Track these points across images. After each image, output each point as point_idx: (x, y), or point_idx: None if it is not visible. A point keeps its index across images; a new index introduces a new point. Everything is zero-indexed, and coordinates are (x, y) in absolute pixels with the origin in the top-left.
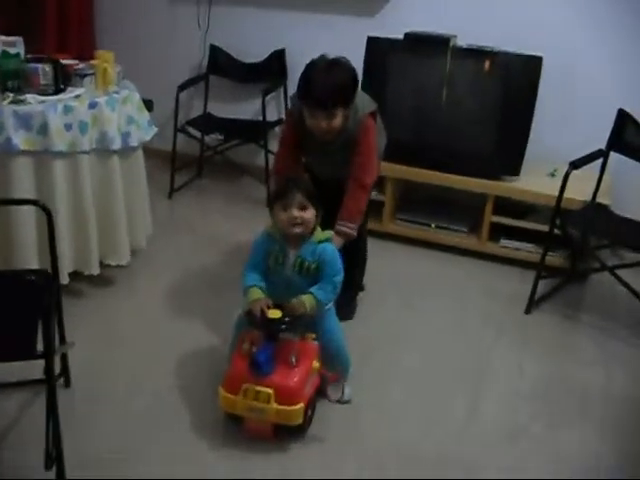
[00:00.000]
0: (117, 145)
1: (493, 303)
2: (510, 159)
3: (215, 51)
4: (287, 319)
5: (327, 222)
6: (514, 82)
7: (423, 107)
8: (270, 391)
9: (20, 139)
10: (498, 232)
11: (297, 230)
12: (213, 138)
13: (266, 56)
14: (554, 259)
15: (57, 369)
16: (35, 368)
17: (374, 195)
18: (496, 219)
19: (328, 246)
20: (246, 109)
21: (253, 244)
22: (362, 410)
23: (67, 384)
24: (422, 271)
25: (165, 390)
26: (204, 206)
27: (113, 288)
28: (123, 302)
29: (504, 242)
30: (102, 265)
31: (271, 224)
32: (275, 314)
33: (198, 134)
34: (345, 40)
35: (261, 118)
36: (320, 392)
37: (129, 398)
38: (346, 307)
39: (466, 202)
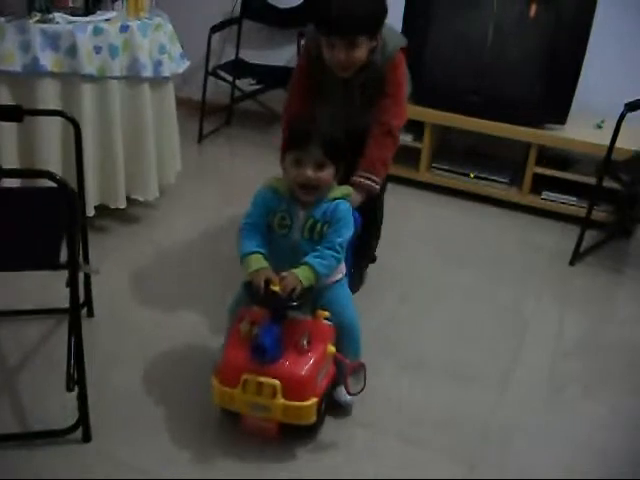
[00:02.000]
0: (148, 72)
1: (534, 257)
2: (556, 106)
3: None
4: (299, 292)
5: (344, 179)
6: (565, 22)
7: (466, 49)
8: (276, 383)
9: (48, 60)
10: (540, 184)
11: (308, 197)
12: (244, 82)
13: (301, 1)
14: (598, 213)
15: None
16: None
17: (410, 141)
18: (539, 170)
19: (342, 203)
20: (279, 56)
21: (253, 198)
22: (394, 365)
23: (90, 314)
24: (459, 223)
25: (182, 335)
26: (233, 152)
27: (139, 225)
28: (148, 240)
29: (546, 194)
30: (129, 200)
31: (275, 177)
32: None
33: (229, 79)
34: None
35: (294, 65)
36: (334, 383)
37: (149, 336)
38: (350, 278)
39: (508, 152)
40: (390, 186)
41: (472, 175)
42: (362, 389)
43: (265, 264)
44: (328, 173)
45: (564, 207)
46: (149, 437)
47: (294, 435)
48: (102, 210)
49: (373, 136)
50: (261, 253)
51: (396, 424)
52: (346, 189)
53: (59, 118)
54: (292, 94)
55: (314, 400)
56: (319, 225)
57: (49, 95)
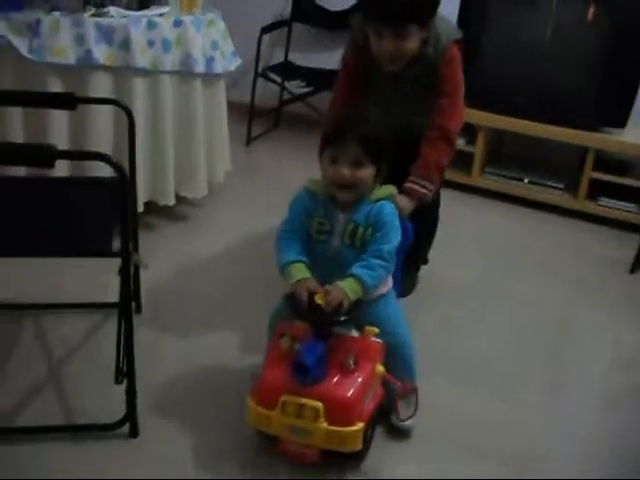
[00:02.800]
0: (200, 68)
1: (590, 265)
2: (616, 109)
3: None
4: (346, 307)
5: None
6: (626, 24)
7: (523, 51)
8: (319, 405)
9: (101, 53)
10: (597, 190)
11: (344, 196)
12: (293, 85)
13: (353, 3)
14: None
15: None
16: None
17: (462, 145)
18: (596, 175)
19: (387, 205)
20: (329, 58)
21: (290, 204)
22: (445, 374)
23: (138, 309)
24: (512, 229)
25: (224, 344)
26: (281, 155)
27: (186, 224)
28: (196, 238)
29: (604, 201)
30: (177, 198)
31: (312, 179)
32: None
33: (278, 80)
34: None
35: None
36: (382, 406)
37: (193, 339)
38: (402, 283)
39: (563, 156)
40: (442, 190)
41: (526, 180)
42: (413, 414)
43: (308, 274)
44: (367, 172)
45: (622, 214)
46: (186, 448)
47: (337, 462)
48: (150, 207)
49: (428, 140)
50: (303, 262)
51: (449, 437)
52: (389, 189)
53: (111, 110)
54: (337, 91)
55: (360, 425)
56: (361, 230)
57: (102, 88)
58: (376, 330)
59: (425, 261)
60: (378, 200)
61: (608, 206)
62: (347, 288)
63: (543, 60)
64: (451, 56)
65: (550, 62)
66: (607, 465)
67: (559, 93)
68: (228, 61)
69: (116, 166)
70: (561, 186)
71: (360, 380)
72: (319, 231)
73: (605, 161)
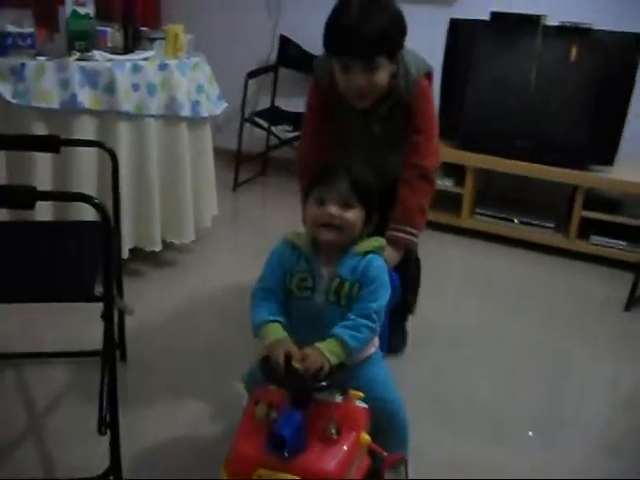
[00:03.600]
0: (186, 112)
1: (585, 304)
2: (603, 147)
3: (285, 42)
4: (327, 372)
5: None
6: (610, 63)
7: (509, 92)
8: None
9: (86, 96)
10: (588, 228)
11: (329, 236)
12: (280, 130)
13: None
14: None
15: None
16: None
17: (451, 187)
18: (587, 214)
19: (375, 259)
20: None
21: (267, 260)
22: (441, 419)
23: (123, 357)
24: (504, 270)
25: (216, 384)
26: (268, 201)
27: (172, 270)
28: (181, 286)
29: (595, 239)
30: (164, 243)
31: (295, 232)
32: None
33: (265, 125)
34: (424, 30)
35: None
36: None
37: (180, 389)
38: (393, 336)
39: (553, 195)
40: (431, 233)
41: (516, 220)
42: None
43: (284, 334)
44: (356, 215)
45: (613, 252)
46: None
47: None
48: (136, 253)
49: (406, 181)
50: (279, 322)
51: None
52: (377, 241)
53: (95, 154)
54: (304, 137)
55: None
56: (347, 285)
57: (86, 132)
58: (361, 394)
59: (412, 311)
60: (366, 253)
61: (599, 244)
62: (327, 351)
63: (530, 101)
64: (422, 90)
65: (537, 103)
66: None
67: (547, 133)
68: (214, 105)
69: (98, 207)
70: (552, 225)
71: (343, 451)
72: (300, 287)
73: (595, 199)
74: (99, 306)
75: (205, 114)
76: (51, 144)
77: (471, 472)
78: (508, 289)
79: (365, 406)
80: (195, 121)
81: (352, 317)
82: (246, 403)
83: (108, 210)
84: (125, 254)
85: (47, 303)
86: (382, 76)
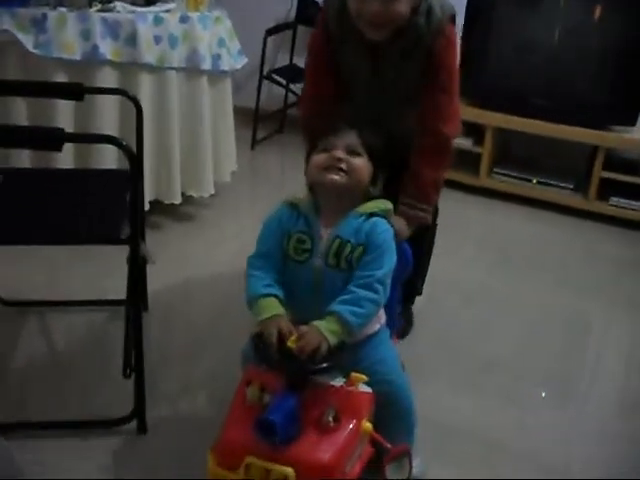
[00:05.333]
0: (207, 65)
1: (602, 265)
2: (626, 107)
3: (304, 0)
4: (324, 353)
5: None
6: (634, 22)
7: (531, 50)
8: (289, 471)
9: (107, 48)
10: (607, 189)
11: (335, 178)
12: (298, 87)
13: None
14: None
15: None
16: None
17: (470, 146)
18: (607, 174)
19: (381, 223)
20: None
21: (263, 225)
22: (456, 374)
23: (145, 308)
24: (521, 230)
25: (234, 334)
26: (286, 159)
27: (192, 223)
28: (202, 239)
29: (614, 200)
30: (183, 197)
31: (295, 195)
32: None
33: (283, 82)
34: None
35: None
36: (371, 467)
37: (200, 338)
38: (397, 323)
39: (573, 156)
40: (449, 192)
41: (535, 181)
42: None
43: (280, 310)
44: (363, 162)
45: (632, 213)
46: (196, 445)
47: None
48: (155, 206)
49: (423, 150)
50: (275, 295)
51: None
52: (384, 203)
53: (117, 104)
54: (307, 79)
55: None
56: (348, 247)
57: (107, 84)
58: (364, 377)
59: (419, 292)
60: (371, 215)
61: (618, 205)
62: (326, 330)
63: (552, 59)
64: (448, 36)
65: (559, 61)
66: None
67: (568, 92)
68: (234, 59)
69: (126, 148)
70: (571, 186)
71: (340, 440)
72: (297, 250)
73: (615, 160)
74: (120, 256)
75: (226, 68)
76: (75, 91)
77: (484, 434)
78: (525, 249)
79: (369, 390)
80: (216, 75)
81: (352, 289)
82: (238, 383)
83: (134, 151)
84: (146, 206)
85: (69, 252)
86: (403, 6)
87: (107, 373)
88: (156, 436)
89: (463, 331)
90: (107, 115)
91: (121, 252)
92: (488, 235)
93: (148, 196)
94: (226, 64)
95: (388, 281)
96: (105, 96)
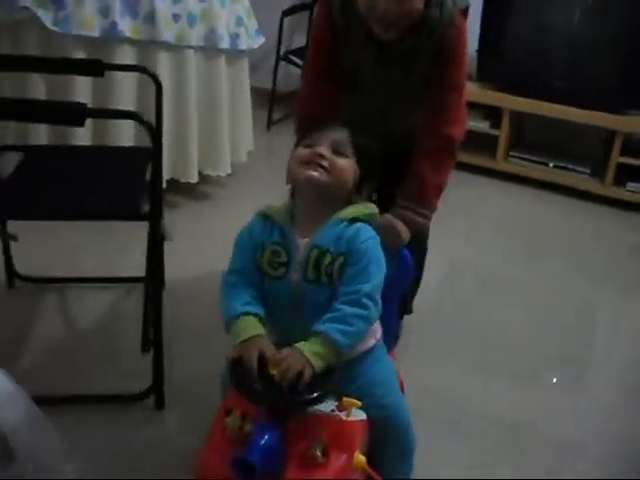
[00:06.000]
0: (225, 44)
1: (617, 251)
2: None
3: None
4: (307, 380)
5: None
6: None
7: (551, 32)
8: None
9: (126, 25)
10: (624, 175)
11: (313, 174)
12: None
13: None
14: None
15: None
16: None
17: (486, 129)
18: (624, 160)
19: (365, 229)
20: None
21: (236, 240)
22: (466, 355)
23: (162, 285)
24: (537, 214)
25: None
26: None
27: (208, 202)
28: (217, 218)
29: (631, 186)
30: (200, 176)
31: (269, 205)
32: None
33: (300, 63)
34: None
35: None
36: None
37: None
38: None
39: (590, 140)
40: (465, 175)
41: (551, 165)
42: None
43: (260, 330)
44: (348, 164)
45: None
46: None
47: None
48: (172, 185)
49: (427, 153)
50: (254, 314)
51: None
52: (368, 207)
53: (135, 82)
54: (306, 77)
55: None
56: (328, 258)
57: (125, 62)
58: (357, 403)
59: (409, 310)
60: (352, 220)
61: (635, 191)
62: (309, 352)
63: (571, 42)
64: (459, 30)
65: (578, 44)
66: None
67: (587, 75)
68: (252, 39)
69: (147, 124)
70: (587, 171)
71: (330, 478)
72: (273, 264)
73: (633, 145)
74: (136, 233)
75: (244, 47)
76: (96, 68)
77: (494, 417)
78: (540, 233)
79: (362, 417)
80: (234, 54)
81: (338, 306)
82: (216, 411)
83: (154, 127)
84: (163, 184)
85: (86, 229)
86: (417, 1)
87: (124, 349)
88: (173, 412)
89: (476, 314)
90: (125, 93)
91: (137, 230)
92: (504, 219)
93: (165, 175)
94: (244, 43)
95: (378, 296)
96: (123, 74)
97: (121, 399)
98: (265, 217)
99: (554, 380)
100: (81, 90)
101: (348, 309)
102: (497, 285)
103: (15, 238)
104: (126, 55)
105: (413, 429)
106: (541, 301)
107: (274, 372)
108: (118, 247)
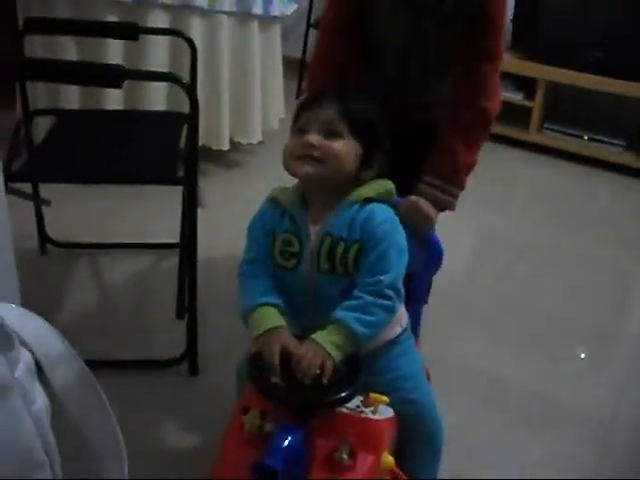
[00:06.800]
0: (258, 9)
1: None
2: None
3: None
4: (329, 374)
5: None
6: None
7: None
8: None
9: None
10: None
11: (305, 169)
12: None
13: None
14: None
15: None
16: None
17: (520, 99)
18: None
19: (380, 209)
20: None
21: (249, 227)
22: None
23: None
24: (570, 187)
25: None
26: None
27: (238, 170)
28: (247, 186)
29: None
30: (231, 143)
31: (279, 187)
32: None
33: None
34: None
35: None
36: None
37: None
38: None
39: (626, 112)
40: (497, 146)
41: (586, 137)
42: None
43: (280, 321)
44: (344, 145)
45: None
46: None
47: None
48: (203, 153)
49: (461, 126)
50: (274, 304)
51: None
52: (383, 186)
53: (168, 47)
54: (322, 38)
55: None
56: (341, 246)
57: (158, 26)
58: (385, 399)
59: (425, 300)
60: (366, 201)
61: None
62: (327, 342)
63: (610, 10)
64: None
65: (617, 12)
66: None
67: (626, 45)
68: (284, 5)
69: (186, 86)
70: (623, 144)
71: None
72: (284, 254)
73: None
74: (167, 199)
75: (276, 13)
76: (130, 32)
77: (519, 394)
78: (573, 206)
79: (390, 415)
80: (266, 20)
81: (359, 294)
82: (232, 408)
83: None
84: None
85: (118, 194)
86: None
87: (158, 315)
88: (207, 378)
89: (508, 286)
90: (158, 58)
91: (169, 195)
92: (536, 191)
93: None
94: (277, 9)
95: (400, 284)
96: (156, 38)
97: (154, 365)
98: (275, 203)
99: (582, 356)
100: (113, 55)
101: (369, 297)
102: (529, 257)
103: (48, 203)
104: (158, 20)
105: (442, 424)
106: (573, 275)
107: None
108: (149, 213)
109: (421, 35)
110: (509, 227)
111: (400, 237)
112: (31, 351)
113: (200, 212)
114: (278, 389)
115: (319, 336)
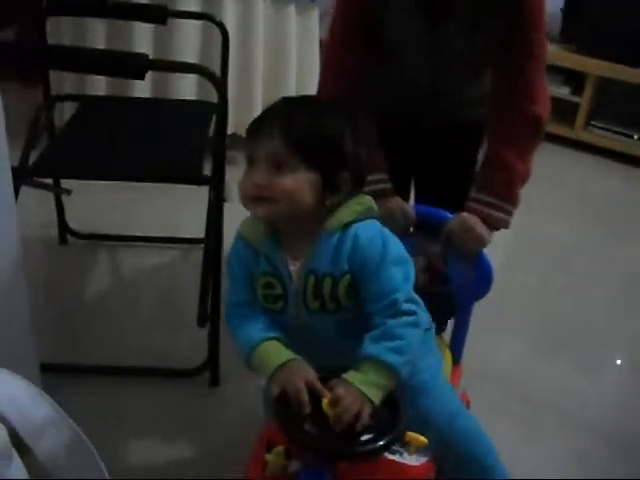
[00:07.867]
0: None
1: None
2: None
3: None
4: (366, 420)
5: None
6: None
7: None
8: None
9: None
10: None
11: (259, 212)
12: None
13: None
14: None
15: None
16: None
17: (566, 95)
18: None
19: (364, 228)
20: None
21: (229, 266)
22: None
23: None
24: (617, 190)
25: None
26: None
27: None
28: None
29: None
30: None
31: (245, 220)
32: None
33: None
34: None
35: None
36: None
37: None
38: None
39: None
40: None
41: (636, 137)
42: None
43: (291, 354)
44: (295, 180)
45: None
46: None
47: None
48: (234, 140)
49: (511, 137)
50: (276, 338)
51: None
52: (361, 204)
53: (198, 31)
54: (332, 41)
55: None
56: (328, 282)
57: (190, 9)
58: (424, 441)
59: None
60: (346, 226)
61: None
62: (364, 384)
63: None
64: None
65: None
66: None
67: None
68: None
69: (215, 79)
70: None
71: None
72: (268, 298)
73: None
74: (192, 191)
75: None
76: (159, 15)
77: (551, 397)
78: (619, 210)
79: (427, 459)
80: (303, 5)
81: (379, 320)
82: (254, 441)
83: (222, 82)
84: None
85: (141, 186)
86: None
87: (177, 315)
88: (228, 389)
89: (547, 292)
90: (188, 42)
91: (194, 188)
92: (581, 192)
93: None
94: None
95: (414, 293)
96: (187, 22)
97: (174, 374)
98: (246, 242)
99: (618, 362)
100: (142, 38)
101: (391, 321)
102: (571, 263)
103: (69, 192)
104: (190, 2)
105: (498, 456)
106: (617, 283)
107: (328, 411)
108: (173, 206)
109: (443, 38)
110: (549, 229)
111: (394, 247)
112: (10, 424)
113: (227, 205)
114: (311, 438)
115: (352, 377)
